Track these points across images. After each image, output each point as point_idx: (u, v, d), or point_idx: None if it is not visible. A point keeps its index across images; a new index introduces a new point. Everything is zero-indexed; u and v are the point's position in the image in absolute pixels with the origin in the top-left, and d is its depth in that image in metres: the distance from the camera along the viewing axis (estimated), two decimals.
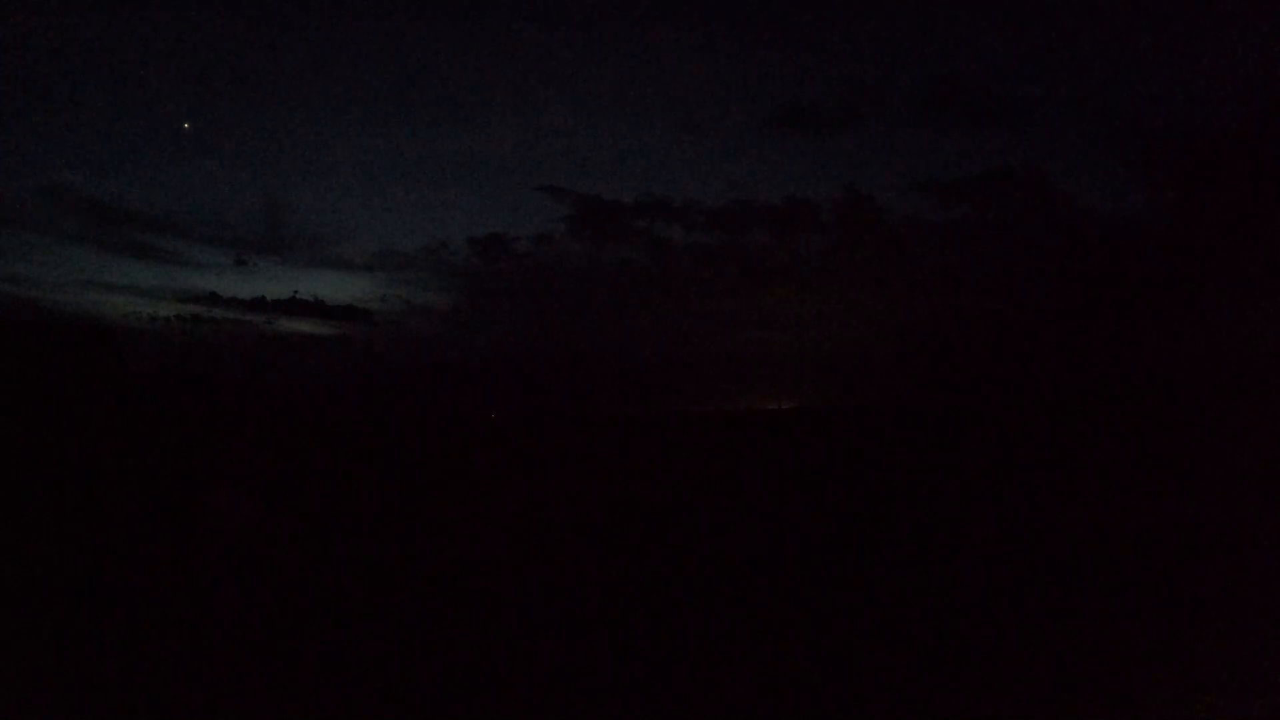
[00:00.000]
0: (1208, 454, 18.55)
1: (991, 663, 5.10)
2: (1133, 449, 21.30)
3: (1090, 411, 48.65)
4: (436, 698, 4.80)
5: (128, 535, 10.86)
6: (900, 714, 4.42)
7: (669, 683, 4.93)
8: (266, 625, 6.36)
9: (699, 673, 5.08)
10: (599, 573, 8.09)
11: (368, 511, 13.18)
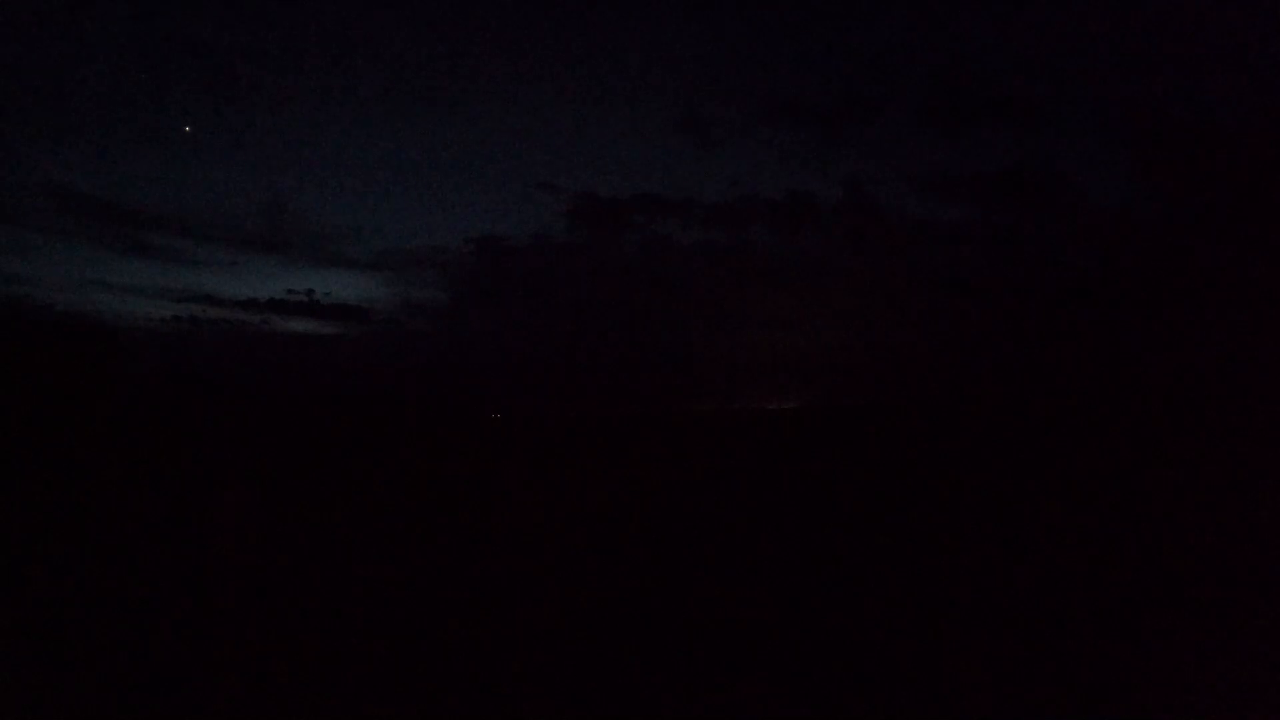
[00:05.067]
0: (1213, 455, 18.55)
1: (991, 663, 5.09)
2: (1137, 449, 21.30)
3: (1094, 411, 48.67)
4: (438, 698, 4.79)
5: (128, 535, 10.85)
6: (899, 714, 4.41)
7: (669, 683, 4.92)
8: (268, 626, 6.35)
9: (698, 673, 5.08)
10: (600, 572, 8.07)
11: (369, 511, 13.17)
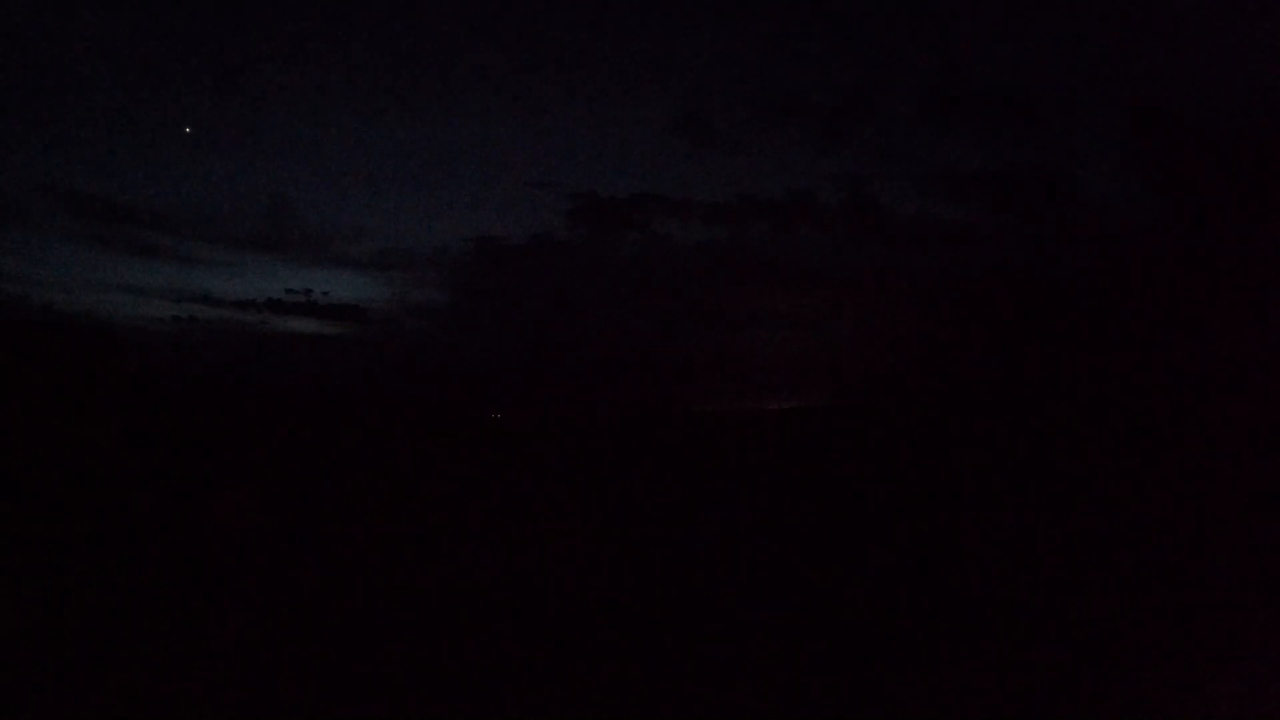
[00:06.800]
0: (1214, 453, 18.53)
1: (992, 663, 5.08)
2: (1137, 448, 21.29)
3: (1095, 410, 48.68)
4: (440, 699, 4.78)
5: (128, 534, 10.85)
6: (900, 714, 4.40)
7: (668, 683, 4.91)
8: (269, 626, 6.34)
9: (698, 673, 5.07)
10: (602, 573, 8.07)
11: (369, 512, 13.16)
